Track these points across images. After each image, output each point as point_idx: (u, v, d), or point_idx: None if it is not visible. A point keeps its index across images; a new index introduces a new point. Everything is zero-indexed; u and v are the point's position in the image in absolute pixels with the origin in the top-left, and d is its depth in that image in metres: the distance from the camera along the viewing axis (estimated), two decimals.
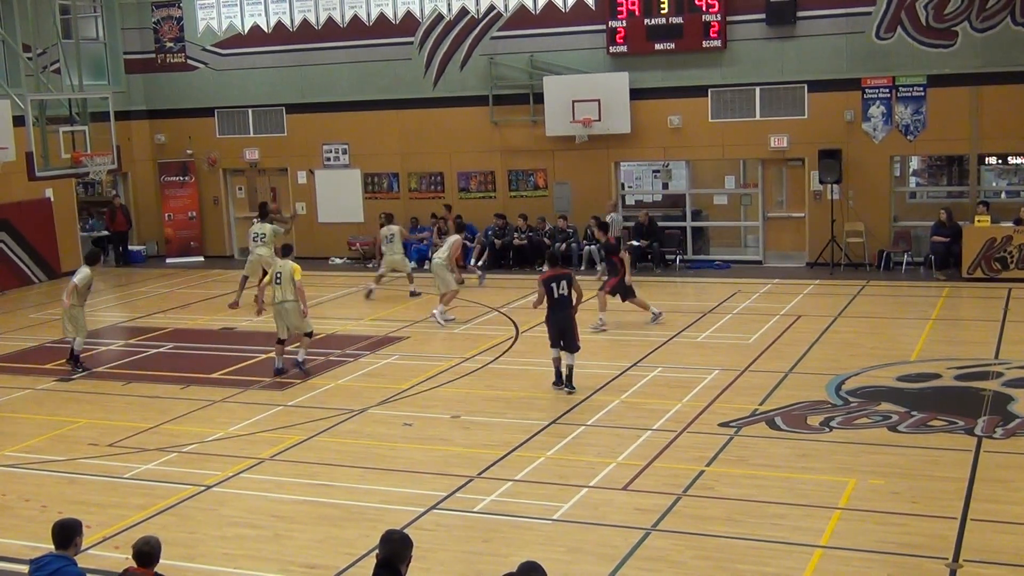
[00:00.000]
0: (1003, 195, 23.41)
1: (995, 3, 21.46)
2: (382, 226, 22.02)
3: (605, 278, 18.88)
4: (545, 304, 14.72)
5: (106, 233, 27.83)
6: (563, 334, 14.50)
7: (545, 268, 15.40)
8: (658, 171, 25.58)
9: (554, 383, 14.65)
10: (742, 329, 17.68)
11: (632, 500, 10.66)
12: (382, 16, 25.89)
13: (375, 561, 6.58)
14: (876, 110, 22.44)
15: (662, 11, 23.53)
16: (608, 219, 23.69)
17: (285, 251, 16.56)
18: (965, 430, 12.27)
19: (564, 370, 14.51)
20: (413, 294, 21.56)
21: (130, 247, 28.08)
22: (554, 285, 14.55)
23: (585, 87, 23.88)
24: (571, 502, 10.65)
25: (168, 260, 28.00)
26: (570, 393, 14.30)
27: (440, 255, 19.46)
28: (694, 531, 9.85)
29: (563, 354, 14.51)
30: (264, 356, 17.28)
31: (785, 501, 10.50)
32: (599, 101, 23.73)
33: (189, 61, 28.04)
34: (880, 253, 22.66)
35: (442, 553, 9.60)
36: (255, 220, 21.99)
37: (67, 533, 7.18)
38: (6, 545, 10.18)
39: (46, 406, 15.06)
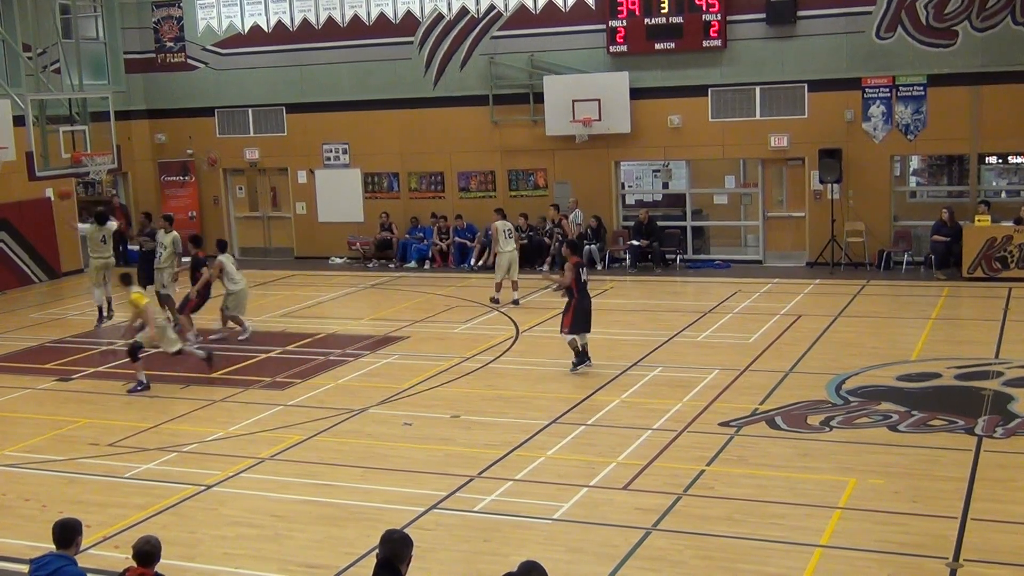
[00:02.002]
0: (1003, 194, 23.40)
1: (995, 3, 21.44)
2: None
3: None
4: (560, 291, 15.69)
5: None
6: (588, 316, 15.55)
7: (570, 258, 15.92)
8: (658, 171, 25.58)
9: (575, 367, 15.33)
10: (742, 329, 17.68)
11: (632, 500, 10.66)
12: (382, 16, 25.89)
13: (375, 561, 6.58)
14: (876, 109, 22.44)
15: (662, 11, 23.53)
16: (571, 216, 23.74)
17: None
18: (965, 430, 12.26)
19: (581, 347, 15.47)
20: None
21: (129, 247, 28.03)
22: (581, 270, 15.47)
23: (585, 87, 23.88)
24: (571, 502, 10.64)
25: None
26: (590, 365, 15.42)
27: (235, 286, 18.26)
28: (695, 531, 9.85)
29: (583, 336, 15.51)
30: (264, 356, 17.29)
31: (785, 501, 10.50)
32: (599, 101, 23.73)
33: (189, 61, 28.05)
34: (880, 253, 22.65)
35: (442, 553, 9.60)
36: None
37: (67, 533, 7.18)
38: (6, 545, 10.18)
39: (46, 406, 15.05)
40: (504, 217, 21.24)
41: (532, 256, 24.09)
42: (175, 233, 20.05)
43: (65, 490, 11.65)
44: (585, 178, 24.80)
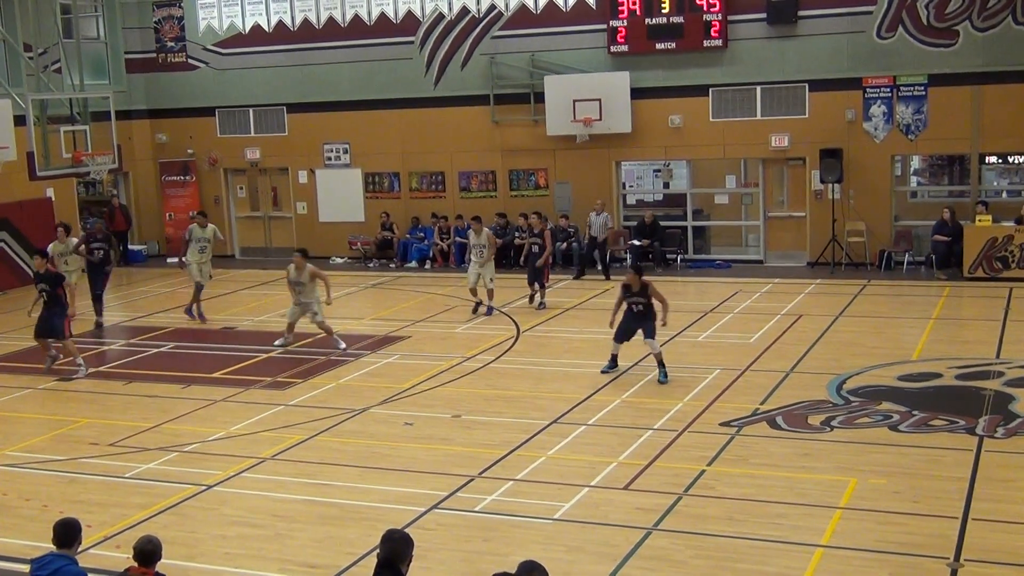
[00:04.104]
0: (1004, 194, 23.41)
1: (996, 2, 21.44)
2: None
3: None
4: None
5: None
6: None
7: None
8: (659, 170, 25.58)
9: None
10: (743, 329, 17.68)
11: (633, 499, 10.66)
12: (383, 16, 25.90)
13: (376, 561, 6.59)
14: (877, 109, 22.44)
15: (663, 10, 23.53)
16: (593, 216, 23.66)
17: None
18: (966, 430, 12.26)
19: None
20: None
21: (131, 247, 28.07)
22: None
23: (586, 86, 23.88)
24: (572, 501, 10.64)
25: (169, 260, 27.94)
26: None
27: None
28: (695, 531, 9.85)
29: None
30: (265, 356, 17.29)
31: (786, 501, 10.50)
32: (600, 100, 23.73)
33: (190, 60, 28.06)
34: (881, 252, 22.65)
35: (443, 552, 9.60)
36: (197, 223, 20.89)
37: (68, 532, 7.18)
38: (7, 544, 10.18)
39: (47, 406, 15.06)
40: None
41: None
42: (211, 226, 21.00)
43: (66, 490, 11.65)
44: (586, 178, 24.80)
